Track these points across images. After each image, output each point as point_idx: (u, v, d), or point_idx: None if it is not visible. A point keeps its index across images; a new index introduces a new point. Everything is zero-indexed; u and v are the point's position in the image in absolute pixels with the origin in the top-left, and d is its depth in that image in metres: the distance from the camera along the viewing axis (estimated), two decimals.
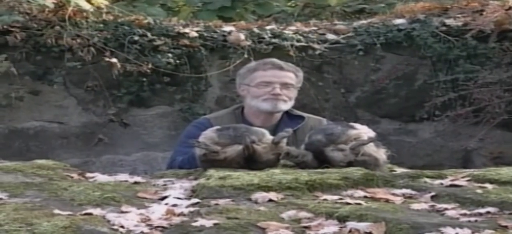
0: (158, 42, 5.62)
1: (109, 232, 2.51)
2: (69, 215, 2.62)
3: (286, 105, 4.31)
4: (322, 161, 3.44)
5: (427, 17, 5.91)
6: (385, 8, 6.97)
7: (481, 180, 3.01)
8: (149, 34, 5.64)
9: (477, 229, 2.53)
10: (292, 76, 4.38)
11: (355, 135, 3.60)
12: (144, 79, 5.58)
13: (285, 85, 4.33)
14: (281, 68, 4.38)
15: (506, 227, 2.56)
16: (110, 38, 5.60)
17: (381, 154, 3.60)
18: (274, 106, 4.29)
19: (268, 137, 3.55)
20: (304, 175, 3.03)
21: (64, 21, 5.61)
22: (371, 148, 3.55)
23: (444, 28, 5.81)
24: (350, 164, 3.38)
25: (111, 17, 5.78)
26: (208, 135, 3.56)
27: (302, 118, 4.34)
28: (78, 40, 5.55)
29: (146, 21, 5.76)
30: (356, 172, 3.09)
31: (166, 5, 7.66)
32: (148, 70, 5.53)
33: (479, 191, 2.90)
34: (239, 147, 3.44)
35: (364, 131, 3.69)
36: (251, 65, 4.44)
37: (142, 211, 2.71)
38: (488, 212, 2.71)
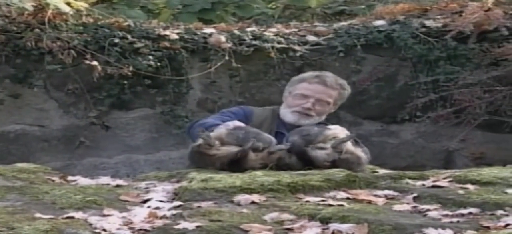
0: (139, 45, 5.61)
1: None
2: (50, 218, 2.61)
3: (311, 120, 4.33)
4: (306, 162, 3.45)
5: (407, 18, 5.93)
6: (365, 10, 6.99)
7: (463, 180, 3.02)
8: (129, 36, 5.63)
9: (459, 230, 2.54)
10: (334, 94, 4.43)
11: (332, 134, 3.64)
12: (125, 82, 5.57)
13: (318, 101, 4.37)
14: (325, 84, 4.42)
15: (488, 227, 2.58)
16: (90, 41, 5.58)
17: (360, 152, 3.64)
18: (297, 120, 4.33)
19: (273, 146, 3.62)
20: (286, 177, 3.03)
21: (43, 24, 5.59)
22: (350, 146, 3.58)
23: (424, 29, 5.83)
24: (333, 162, 3.40)
25: (91, 20, 5.77)
26: (219, 131, 3.66)
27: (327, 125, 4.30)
28: (58, 43, 5.53)
29: (126, 23, 5.75)
30: (338, 173, 3.10)
31: (146, 7, 7.64)
32: (129, 73, 5.52)
33: (461, 191, 2.91)
34: (233, 150, 3.46)
35: (339, 131, 3.72)
36: (303, 75, 4.49)
37: (125, 214, 2.70)
38: (470, 213, 2.72)
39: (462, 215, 2.70)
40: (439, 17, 5.92)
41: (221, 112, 4.32)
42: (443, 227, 2.56)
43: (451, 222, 2.63)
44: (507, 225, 2.59)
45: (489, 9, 5.82)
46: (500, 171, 3.15)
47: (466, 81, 5.67)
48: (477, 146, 5.85)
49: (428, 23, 5.86)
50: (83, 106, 5.63)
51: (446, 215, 2.70)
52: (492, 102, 5.69)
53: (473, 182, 3.00)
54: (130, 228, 2.57)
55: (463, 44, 5.77)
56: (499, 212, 2.72)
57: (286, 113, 4.37)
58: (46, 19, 5.59)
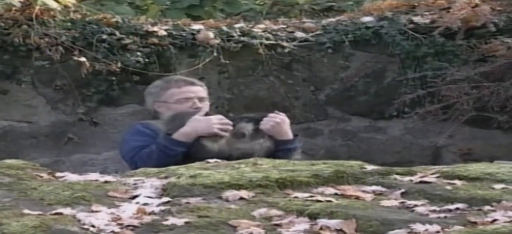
0: (127, 41, 5.60)
1: (80, 231, 2.51)
2: (39, 215, 2.61)
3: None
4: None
5: (394, 14, 5.93)
6: (353, 6, 7.00)
7: (450, 176, 3.04)
8: (117, 33, 5.62)
9: (446, 225, 2.56)
10: (202, 89, 5.10)
11: None
12: (114, 78, 5.56)
13: (201, 99, 5.03)
14: (193, 84, 5.10)
15: (475, 223, 2.59)
16: (78, 37, 5.57)
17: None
18: None
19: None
20: (274, 173, 3.04)
21: (31, 20, 5.57)
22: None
23: (411, 25, 5.84)
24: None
25: (79, 16, 5.76)
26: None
27: None
28: (46, 39, 5.52)
29: (114, 19, 5.74)
30: (326, 169, 3.11)
31: (134, 3, 7.63)
32: (117, 69, 5.51)
33: (448, 187, 2.92)
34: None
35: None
36: (161, 84, 5.13)
37: (113, 210, 2.71)
38: (457, 208, 2.73)
39: (450, 210, 2.72)
40: (427, 13, 5.93)
41: (129, 141, 4.94)
42: (430, 222, 2.57)
43: (439, 217, 2.65)
44: (494, 220, 2.61)
45: (477, 5, 5.83)
46: (487, 166, 3.17)
47: (454, 78, 5.68)
48: (465, 142, 5.87)
49: (416, 19, 5.87)
50: (71, 103, 5.62)
51: (434, 211, 2.72)
52: (479, 98, 5.70)
53: (460, 178, 3.02)
54: (119, 224, 2.58)
55: (451, 40, 5.78)
56: (486, 207, 2.74)
57: (177, 118, 4.90)
58: (33, 15, 5.57)
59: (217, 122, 4.79)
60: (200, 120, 4.82)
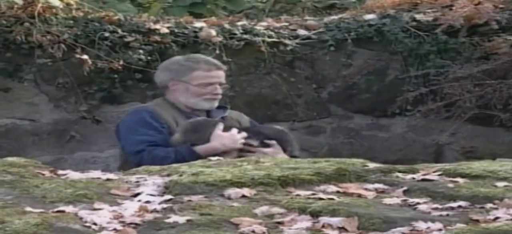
0: (129, 39, 5.61)
1: (82, 229, 2.51)
2: (41, 212, 2.62)
3: (218, 103, 4.76)
4: None
5: (397, 12, 5.93)
6: (355, 4, 7.00)
7: (453, 174, 3.03)
8: (119, 30, 5.63)
9: (448, 223, 2.56)
10: (224, 74, 4.83)
11: None
12: (116, 76, 5.56)
13: (221, 84, 4.76)
14: (220, 68, 4.81)
15: (477, 221, 2.59)
16: (81, 35, 5.58)
17: None
18: (212, 105, 4.73)
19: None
20: (276, 171, 3.04)
21: (33, 17, 5.58)
22: None
23: (414, 23, 5.84)
24: None
25: (81, 14, 5.76)
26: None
27: (225, 107, 4.83)
28: (48, 37, 5.52)
29: (116, 17, 5.75)
30: (328, 167, 3.10)
31: (136, 1, 7.63)
32: (120, 67, 5.52)
33: (450, 185, 2.92)
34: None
35: None
36: (186, 63, 4.78)
37: (115, 208, 2.71)
38: (460, 206, 2.73)
39: (452, 208, 2.72)
40: (429, 11, 5.92)
41: (132, 132, 4.62)
42: (432, 220, 2.57)
43: (441, 215, 2.65)
44: (497, 218, 2.61)
45: (479, 2, 5.83)
46: (490, 164, 3.16)
47: (457, 75, 5.68)
48: (467, 140, 5.87)
49: (418, 17, 5.87)
50: (73, 101, 5.62)
51: (436, 209, 2.72)
52: (482, 96, 5.70)
53: (463, 176, 3.01)
54: (121, 222, 2.58)
55: (454, 38, 5.78)
56: (489, 205, 2.74)
57: (198, 102, 4.70)
58: (36, 13, 5.58)
59: (242, 140, 4.56)
60: (227, 137, 4.53)
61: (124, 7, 6.76)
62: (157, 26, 5.70)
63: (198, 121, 4.66)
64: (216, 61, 4.87)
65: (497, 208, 2.70)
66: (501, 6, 5.84)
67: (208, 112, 4.74)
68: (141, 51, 5.57)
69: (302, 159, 3.48)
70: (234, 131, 4.59)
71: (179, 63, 4.79)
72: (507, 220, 2.57)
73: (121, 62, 5.52)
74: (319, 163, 3.20)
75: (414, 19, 5.85)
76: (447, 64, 5.72)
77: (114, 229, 2.52)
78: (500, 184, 2.92)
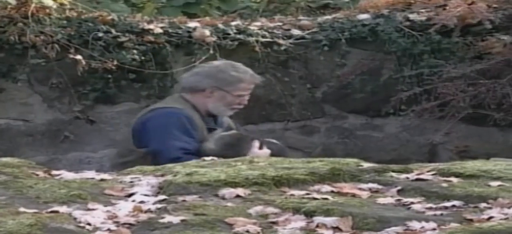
0: (123, 39, 5.60)
1: (76, 229, 2.51)
2: (35, 213, 2.61)
3: None
4: None
5: (391, 12, 5.94)
6: (349, 3, 7.00)
7: (447, 174, 3.04)
8: (113, 30, 5.62)
9: (442, 223, 2.56)
10: None
11: None
12: (109, 76, 5.56)
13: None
14: (255, 83, 4.89)
15: (471, 220, 2.60)
16: (74, 35, 5.57)
17: None
18: (230, 114, 4.82)
19: None
20: (271, 171, 3.05)
21: (27, 18, 5.57)
22: None
23: (408, 23, 5.85)
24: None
25: (75, 14, 5.75)
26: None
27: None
28: (42, 37, 5.52)
29: (110, 17, 5.74)
30: (322, 167, 3.11)
31: (130, 1, 7.63)
32: (113, 67, 5.51)
33: (444, 184, 2.93)
34: None
35: None
36: (236, 75, 4.77)
37: (109, 208, 2.71)
38: (454, 206, 2.74)
39: (446, 207, 2.72)
40: (423, 10, 5.93)
41: (169, 137, 4.56)
42: (426, 220, 2.58)
43: (435, 215, 2.65)
44: (491, 217, 2.62)
45: (473, 2, 5.84)
46: (484, 164, 3.17)
47: (450, 75, 5.69)
48: (461, 139, 5.88)
49: (412, 16, 5.88)
50: (67, 101, 5.62)
51: (430, 208, 2.72)
52: (476, 95, 5.71)
53: (456, 175, 3.02)
54: (115, 222, 2.58)
55: (447, 38, 5.79)
56: (483, 205, 2.74)
57: (226, 111, 4.76)
58: (29, 13, 5.57)
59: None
60: (263, 155, 4.51)
61: (117, 7, 6.76)
62: (151, 26, 5.69)
63: (237, 135, 4.68)
64: (257, 76, 4.92)
65: (491, 207, 2.71)
66: (494, 5, 5.85)
67: (215, 117, 4.77)
68: (135, 51, 5.57)
69: (296, 159, 3.48)
70: (266, 149, 4.62)
71: (227, 73, 4.76)
72: (501, 219, 2.58)
73: (115, 62, 5.51)
74: (313, 162, 3.20)
75: (408, 19, 5.86)
76: (441, 64, 5.73)
77: (108, 229, 2.52)
78: (494, 183, 2.93)
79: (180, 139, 4.53)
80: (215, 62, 5.00)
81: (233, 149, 4.50)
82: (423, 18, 5.85)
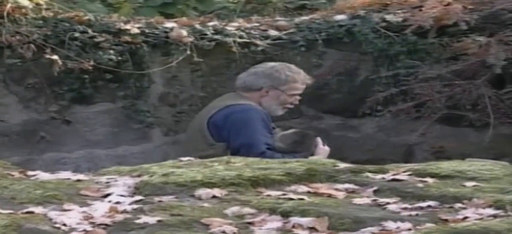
0: (99, 39, 5.58)
1: (51, 230, 2.50)
2: (10, 213, 2.60)
3: None
4: None
5: (367, 13, 5.95)
6: (326, 4, 7.01)
7: (422, 174, 3.05)
8: (90, 30, 5.60)
9: (418, 223, 2.57)
10: None
11: None
12: (86, 76, 5.54)
13: None
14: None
15: (446, 220, 2.61)
16: (50, 35, 5.54)
17: None
18: (283, 112, 5.11)
19: None
20: (247, 171, 3.05)
21: (2, 17, 5.54)
22: None
23: (384, 24, 5.86)
24: None
25: (51, 14, 5.72)
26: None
27: None
28: (18, 37, 5.49)
29: (86, 17, 5.72)
30: (299, 167, 3.11)
31: (107, 1, 7.60)
32: (90, 67, 5.49)
33: (420, 185, 2.94)
34: None
35: None
36: (291, 75, 5.09)
37: (85, 208, 2.70)
38: (429, 206, 2.75)
39: (421, 208, 2.73)
40: (399, 11, 5.95)
41: (258, 133, 4.87)
42: (402, 220, 2.59)
43: (410, 215, 2.66)
44: (465, 218, 2.63)
45: (449, 3, 5.86)
46: (459, 164, 3.19)
47: (426, 76, 5.71)
48: (437, 140, 5.90)
49: (388, 17, 5.89)
50: (43, 101, 5.59)
51: (405, 208, 2.73)
52: (451, 96, 5.74)
53: (432, 176, 3.03)
54: (91, 222, 2.57)
55: (423, 39, 5.81)
56: (458, 205, 2.76)
57: (278, 110, 5.03)
58: (5, 13, 5.54)
59: None
60: (326, 151, 4.93)
61: (94, 7, 6.73)
62: (128, 27, 5.68)
63: (301, 132, 4.98)
64: (308, 76, 5.18)
65: (466, 207, 2.72)
66: (470, 7, 5.87)
67: None
68: (111, 51, 5.55)
69: (272, 160, 3.48)
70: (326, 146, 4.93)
71: (283, 73, 5.06)
72: (475, 219, 2.59)
73: (91, 62, 5.49)
74: (290, 163, 3.21)
75: (384, 20, 5.88)
76: (417, 64, 5.75)
77: (84, 230, 2.51)
78: (469, 183, 2.94)
79: (264, 134, 4.82)
80: (271, 63, 5.25)
81: (300, 145, 4.81)
82: (399, 19, 5.86)
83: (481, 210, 2.67)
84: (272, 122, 5.01)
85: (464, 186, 2.92)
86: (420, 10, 5.89)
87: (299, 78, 5.09)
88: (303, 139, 4.90)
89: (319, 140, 4.95)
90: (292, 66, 5.19)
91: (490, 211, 2.67)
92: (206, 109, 5.17)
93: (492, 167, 3.11)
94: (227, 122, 4.88)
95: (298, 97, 5.11)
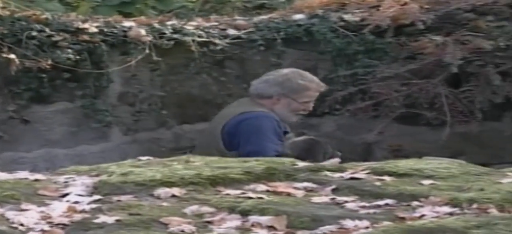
0: (57, 38, 5.54)
1: (8, 230, 2.48)
2: None
3: None
4: None
5: (325, 12, 5.97)
6: (284, 4, 7.02)
7: (380, 172, 3.07)
8: (47, 29, 5.56)
9: (375, 221, 2.59)
10: None
11: None
12: (44, 75, 5.49)
13: None
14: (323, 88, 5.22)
15: (403, 218, 2.63)
16: (7, 34, 5.49)
17: None
18: (296, 119, 5.15)
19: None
20: (206, 170, 3.04)
21: None
22: None
23: (342, 23, 5.89)
24: None
25: (8, 12, 5.67)
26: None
27: None
28: None
29: (44, 16, 5.67)
30: (258, 166, 3.12)
31: (64, 0, 7.54)
32: (48, 66, 5.45)
33: (377, 183, 2.96)
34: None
35: None
36: (303, 84, 5.12)
37: (43, 208, 2.68)
38: (387, 204, 2.77)
39: (379, 206, 2.75)
40: (357, 11, 5.98)
41: (266, 139, 4.88)
42: (360, 218, 2.60)
43: (368, 213, 2.68)
44: (422, 216, 2.65)
45: (406, 3, 5.91)
46: (416, 162, 3.21)
47: (384, 75, 5.75)
48: (395, 138, 5.94)
49: (346, 17, 5.92)
50: (1, 101, 5.54)
51: (363, 207, 2.75)
52: (409, 95, 5.78)
53: (390, 174, 3.05)
54: (49, 222, 2.56)
55: (381, 38, 5.84)
56: (415, 203, 2.78)
57: (291, 116, 5.08)
58: None
59: None
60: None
61: (51, 6, 6.68)
62: (86, 26, 5.64)
63: (309, 140, 4.98)
64: (322, 83, 5.21)
65: (423, 205, 2.74)
66: (426, 6, 5.92)
67: None
68: (69, 50, 5.51)
69: (232, 159, 3.49)
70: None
71: (295, 82, 5.10)
72: (432, 217, 2.62)
73: (49, 61, 5.45)
74: (249, 162, 3.21)
75: (342, 19, 5.90)
76: (375, 64, 5.78)
77: (42, 230, 2.50)
78: (426, 182, 2.97)
79: (274, 142, 4.84)
80: (284, 70, 5.27)
81: (309, 153, 4.76)
82: (357, 19, 5.90)
83: (437, 208, 2.70)
84: (287, 127, 5.04)
85: (421, 184, 2.94)
86: (378, 9, 5.93)
87: (312, 86, 5.13)
88: (312, 147, 4.90)
89: (329, 147, 5.00)
90: (305, 73, 5.21)
91: (447, 209, 2.69)
92: (219, 116, 5.20)
93: (449, 165, 3.14)
94: (238, 129, 4.93)
95: (312, 104, 5.14)
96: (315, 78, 5.21)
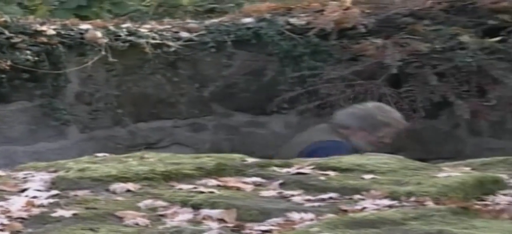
0: (16, 40, 5.49)
1: None
2: None
3: None
4: None
5: (273, 16, 6.00)
6: (234, 8, 7.04)
7: (324, 168, 3.09)
8: (6, 32, 5.50)
9: (320, 213, 2.61)
10: None
11: None
12: (3, 75, 5.43)
13: None
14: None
15: (346, 211, 2.66)
16: None
17: None
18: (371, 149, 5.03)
19: None
20: (160, 166, 3.04)
21: None
22: None
23: (289, 26, 5.91)
24: None
25: None
26: None
27: None
28: None
29: (3, 19, 5.61)
30: (209, 162, 3.12)
31: (23, 4, 7.47)
32: (7, 67, 5.39)
33: (322, 178, 2.98)
34: None
35: None
36: (382, 120, 5.18)
37: (2, 203, 2.66)
38: (330, 197, 2.79)
39: (323, 199, 2.77)
40: (302, 15, 6.01)
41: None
42: (305, 211, 2.62)
43: (313, 206, 2.70)
44: (364, 208, 2.68)
45: (348, 8, 5.95)
46: (358, 158, 3.24)
47: (330, 76, 5.78)
48: None
49: (292, 20, 5.95)
50: None
51: (309, 200, 2.77)
52: (355, 96, 5.81)
53: (333, 169, 3.08)
54: (8, 216, 2.54)
55: (325, 41, 5.88)
56: (357, 196, 2.80)
57: (365, 146, 5.02)
58: None
59: None
60: None
61: (10, 9, 6.61)
62: (44, 28, 5.59)
63: None
64: (403, 121, 5.24)
65: (364, 199, 2.77)
66: (367, 11, 5.97)
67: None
68: (28, 52, 5.46)
69: (184, 155, 3.48)
70: None
71: (374, 117, 5.18)
72: (373, 210, 2.65)
73: (9, 62, 5.39)
74: (201, 158, 3.21)
75: (289, 23, 5.93)
76: (320, 65, 5.81)
77: (1, 224, 2.47)
78: (367, 176, 2.99)
79: None
80: (369, 105, 5.33)
81: None
82: (303, 22, 5.92)
83: (378, 201, 2.73)
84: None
85: (363, 178, 2.97)
86: (322, 14, 5.96)
87: (391, 123, 5.17)
88: None
89: None
90: (388, 109, 5.27)
91: (386, 201, 2.73)
92: (296, 142, 5.24)
93: (389, 161, 3.17)
94: (313, 157, 4.89)
95: (389, 139, 5.16)
96: (397, 115, 5.26)
